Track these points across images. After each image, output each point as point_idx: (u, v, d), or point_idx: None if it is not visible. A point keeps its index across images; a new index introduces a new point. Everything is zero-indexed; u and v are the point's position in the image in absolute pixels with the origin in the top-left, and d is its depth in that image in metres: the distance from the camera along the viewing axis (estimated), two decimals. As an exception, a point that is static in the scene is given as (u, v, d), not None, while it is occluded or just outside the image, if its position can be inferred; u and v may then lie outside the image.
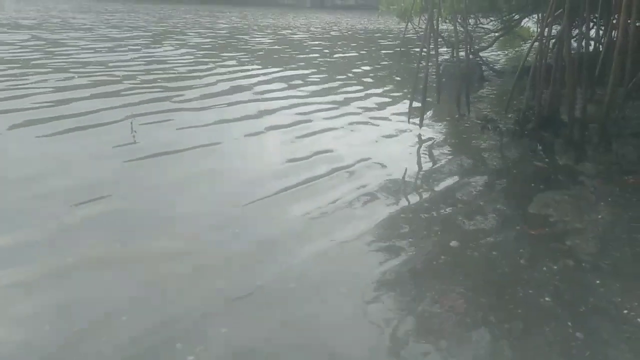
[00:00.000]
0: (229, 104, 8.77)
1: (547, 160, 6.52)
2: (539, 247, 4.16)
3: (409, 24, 16.37)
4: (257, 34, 23.14)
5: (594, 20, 12.05)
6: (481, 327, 3.14)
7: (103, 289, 3.41)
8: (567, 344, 2.98)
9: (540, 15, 13.79)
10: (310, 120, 7.92)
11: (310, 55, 16.80)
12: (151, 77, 10.78)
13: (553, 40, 9.52)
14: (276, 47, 18.59)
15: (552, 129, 7.39)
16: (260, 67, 13.21)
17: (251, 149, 6.53)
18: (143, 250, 3.92)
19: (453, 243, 4.17)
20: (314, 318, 3.19)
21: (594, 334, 3.09)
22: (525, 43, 17.90)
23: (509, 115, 8.29)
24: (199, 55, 14.82)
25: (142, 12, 33.13)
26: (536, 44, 8.03)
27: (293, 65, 13.83)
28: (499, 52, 18.65)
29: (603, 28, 11.63)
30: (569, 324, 3.17)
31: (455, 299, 3.41)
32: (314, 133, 7.25)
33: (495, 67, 14.95)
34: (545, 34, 7.71)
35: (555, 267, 3.83)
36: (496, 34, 15.28)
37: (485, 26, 15.75)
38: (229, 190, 5.11)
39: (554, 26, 8.39)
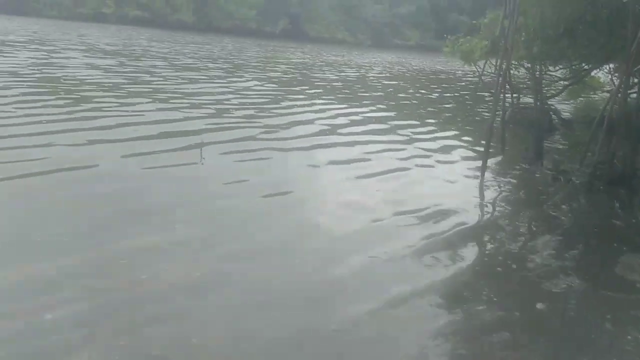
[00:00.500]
0: (319, 146, 8.59)
1: (627, 219, 6.17)
2: (624, 314, 3.91)
3: (479, 67, 16.22)
4: (328, 71, 23.58)
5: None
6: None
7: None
8: None
9: (612, 66, 13.38)
10: (390, 169, 7.59)
11: (384, 94, 16.99)
12: (244, 112, 10.87)
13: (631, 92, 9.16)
14: (350, 84, 18.84)
15: (627, 185, 7.03)
16: (339, 105, 13.33)
17: (347, 198, 6.15)
18: (235, 279, 4.08)
19: (532, 303, 4.00)
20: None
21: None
22: (594, 93, 17.36)
23: (583, 168, 7.92)
24: (280, 90, 15.09)
25: (215, 44, 34.53)
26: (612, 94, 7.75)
27: (370, 106, 13.88)
28: (566, 101, 18.11)
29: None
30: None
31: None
32: (390, 178, 7.16)
33: (563, 116, 14.53)
34: (622, 85, 7.43)
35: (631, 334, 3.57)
36: (565, 83, 14.92)
37: (553, 73, 15.40)
38: (326, 247, 4.87)
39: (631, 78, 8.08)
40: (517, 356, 3.29)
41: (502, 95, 8.54)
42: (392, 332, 3.51)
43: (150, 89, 12.71)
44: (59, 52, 19.19)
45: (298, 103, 12.90)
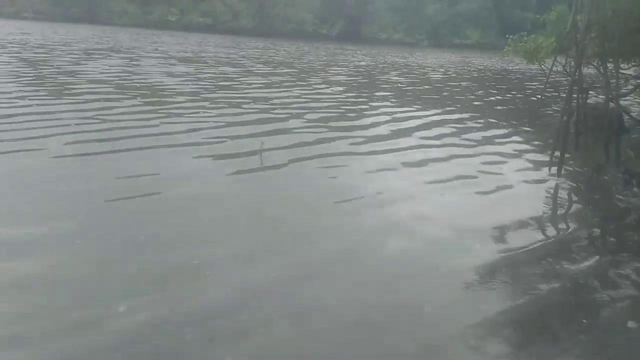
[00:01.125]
0: (391, 150, 8.58)
1: None
2: None
3: (545, 66, 15.70)
4: (394, 73, 23.54)
5: None
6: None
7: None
8: None
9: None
10: (467, 175, 7.61)
11: (456, 97, 16.86)
12: (330, 122, 10.80)
13: None
14: (418, 87, 18.76)
15: None
16: (410, 108, 13.31)
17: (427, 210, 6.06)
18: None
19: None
20: None
21: None
22: (671, 92, 16.40)
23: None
24: (356, 96, 15.13)
25: (276, 48, 35.24)
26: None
27: (442, 108, 13.82)
28: (636, 100, 17.21)
29: None
30: None
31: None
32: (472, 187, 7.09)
33: (636, 115, 13.83)
34: None
35: None
36: (638, 81, 14.20)
37: (625, 71, 14.70)
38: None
39: None
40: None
41: (573, 95, 8.29)
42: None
43: (231, 97, 12.98)
44: (138, 60, 20.42)
45: (379, 111, 12.76)
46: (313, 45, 41.60)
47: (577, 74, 7.96)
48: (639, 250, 5.27)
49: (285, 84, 16.52)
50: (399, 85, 18.65)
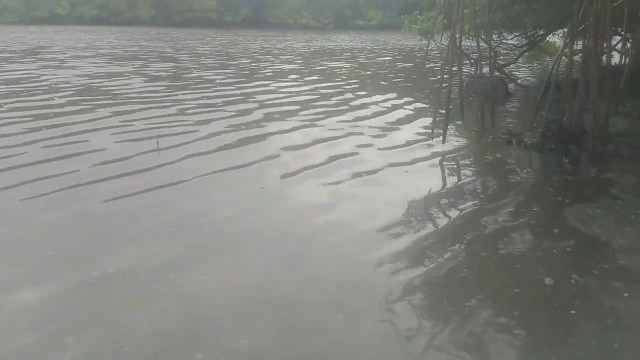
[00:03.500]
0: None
1: (575, 174, 6.43)
2: (574, 262, 4.12)
3: (438, 43, 16.38)
4: (333, 58, 23.12)
5: (622, 34, 11.97)
6: (510, 342, 3.16)
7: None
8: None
9: (565, 31, 13.67)
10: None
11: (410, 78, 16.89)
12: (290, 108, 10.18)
13: (579, 55, 9.44)
14: (357, 71, 18.40)
15: (577, 143, 7.28)
16: (367, 94, 12.83)
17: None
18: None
19: (483, 259, 4.16)
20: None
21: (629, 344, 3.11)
22: (551, 59, 17.77)
23: (534, 130, 8.15)
24: (291, 84, 14.21)
25: (193, 39, 33.75)
26: (562, 58, 7.99)
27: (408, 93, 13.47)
28: (523, 67, 18.51)
29: (631, 41, 11.47)
30: (594, 341, 3.17)
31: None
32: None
33: (520, 82, 14.87)
34: (569, 48, 7.68)
35: (582, 281, 3.78)
36: (521, 50, 15.22)
37: (509, 42, 15.70)
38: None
39: (579, 41, 8.31)
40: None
41: (455, 66, 8.66)
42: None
43: (201, 100, 11.14)
44: (67, 62, 18.18)
45: (364, 101, 11.85)
46: (230, 34, 40.04)
47: (453, 44, 8.30)
48: (522, 187, 5.66)
49: (234, 79, 15.00)
50: (338, 70, 18.31)
